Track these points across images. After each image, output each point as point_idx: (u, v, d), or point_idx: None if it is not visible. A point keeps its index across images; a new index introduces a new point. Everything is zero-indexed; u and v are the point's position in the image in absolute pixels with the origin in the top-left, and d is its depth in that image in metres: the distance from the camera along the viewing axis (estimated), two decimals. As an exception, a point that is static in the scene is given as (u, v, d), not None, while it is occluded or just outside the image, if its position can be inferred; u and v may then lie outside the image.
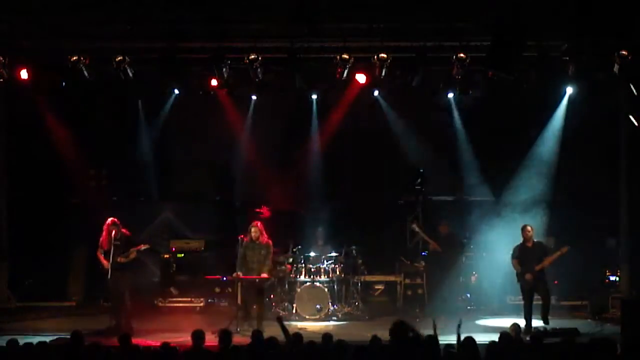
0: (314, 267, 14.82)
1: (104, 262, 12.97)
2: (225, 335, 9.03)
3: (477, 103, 15.28)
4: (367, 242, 15.79)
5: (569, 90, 15.09)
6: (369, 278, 15.42)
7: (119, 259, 12.92)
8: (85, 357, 8.68)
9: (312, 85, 14.59)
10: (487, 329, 13.01)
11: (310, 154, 16.39)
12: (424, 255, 15.76)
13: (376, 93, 15.44)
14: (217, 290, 15.51)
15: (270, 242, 13.68)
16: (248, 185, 15.35)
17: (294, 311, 14.51)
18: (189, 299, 15.54)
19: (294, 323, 13.94)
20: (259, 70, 13.34)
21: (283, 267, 14.90)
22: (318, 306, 14.39)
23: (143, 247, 13.24)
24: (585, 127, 15.30)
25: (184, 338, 10.68)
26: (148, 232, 16.14)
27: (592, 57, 12.94)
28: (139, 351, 8.89)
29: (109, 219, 13.06)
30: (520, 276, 13.31)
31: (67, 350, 9.21)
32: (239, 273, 13.46)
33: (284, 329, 10.21)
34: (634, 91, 13.81)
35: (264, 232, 13.64)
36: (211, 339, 9.78)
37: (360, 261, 15.13)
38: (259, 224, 13.68)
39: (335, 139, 16.23)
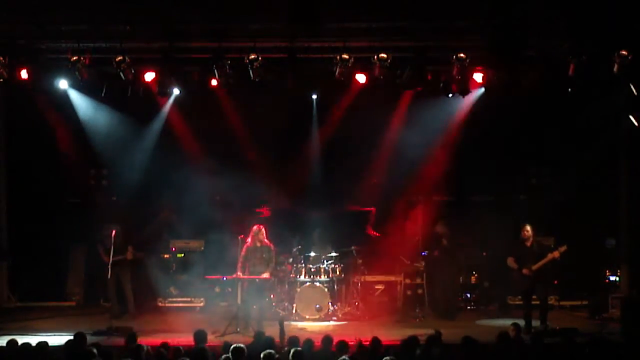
0: (314, 267, 14.82)
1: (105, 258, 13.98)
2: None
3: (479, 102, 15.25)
4: (367, 242, 15.77)
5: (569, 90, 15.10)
6: (369, 278, 15.40)
7: (114, 258, 13.84)
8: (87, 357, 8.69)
9: (312, 85, 14.58)
10: (487, 329, 13.01)
11: (310, 154, 16.36)
12: (424, 255, 15.75)
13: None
14: (217, 290, 15.51)
15: (272, 245, 13.70)
16: (248, 185, 15.30)
17: (294, 311, 14.51)
18: (189, 299, 15.55)
19: (294, 323, 13.96)
20: (258, 70, 13.33)
21: (283, 267, 14.90)
22: (318, 306, 14.40)
23: (129, 256, 14.71)
24: (585, 126, 15.29)
25: (185, 338, 10.71)
26: (148, 232, 16.12)
27: (592, 57, 12.92)
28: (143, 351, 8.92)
29: None
30: (516, 274, 13.31)
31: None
32: (239, 273, 13.48)
33: (282, 333, 10.31)
34: (634, 91, 13.80)
35: (266, 236, 13.64)
36: (212, 339, 9.82)
37: (360, 261, 15.14)
38: (261, 227, 13.68)
39: (335, 139, 16.20)
